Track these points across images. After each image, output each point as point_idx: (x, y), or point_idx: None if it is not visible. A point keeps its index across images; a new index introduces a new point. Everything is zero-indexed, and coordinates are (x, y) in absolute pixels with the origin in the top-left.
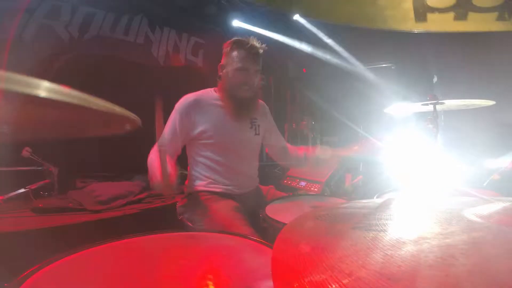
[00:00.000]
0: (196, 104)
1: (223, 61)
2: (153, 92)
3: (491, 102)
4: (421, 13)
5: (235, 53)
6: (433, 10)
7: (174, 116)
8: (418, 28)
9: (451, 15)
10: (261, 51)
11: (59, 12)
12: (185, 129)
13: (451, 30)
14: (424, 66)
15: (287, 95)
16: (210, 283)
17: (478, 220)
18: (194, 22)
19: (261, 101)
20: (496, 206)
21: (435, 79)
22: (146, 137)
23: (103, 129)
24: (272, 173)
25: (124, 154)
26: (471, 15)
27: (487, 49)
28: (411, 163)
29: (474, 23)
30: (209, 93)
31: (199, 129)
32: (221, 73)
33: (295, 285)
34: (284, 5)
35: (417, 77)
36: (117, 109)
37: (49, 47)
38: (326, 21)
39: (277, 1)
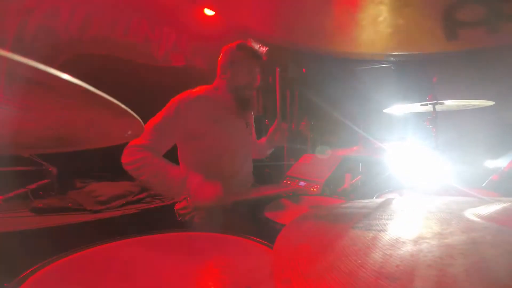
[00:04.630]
0: (199, 102)
1: (226, 62)
2: (153, 92)
3: (490, 102)
4: (451, 29)
5: (242, 57)
6: (463, 25)
7: (173, 110)
8: (450, 48)
9: (483, 28)
10: (263, 54)
11: (59, 12)
12: (184, 126)
13: (486, 46)
14: (424, 66)
15: (287, 95)
16: (210, 283)
17: (478, 220)
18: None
19: None
20: (496, 206)
21: (434, 79)
22: None
23: (105, 136)
24: (264, 173)
25: None
26: (505, 26)
27: (487, 49)
28: (410, 163)
29: (509, 35)
30: (209, 92)
31: (198, 128)
32: (223, 73)
33: (295, 285)
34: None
35: (417, 77)
36: (123, 107)
37: (49, 47)
38: (360, 55)
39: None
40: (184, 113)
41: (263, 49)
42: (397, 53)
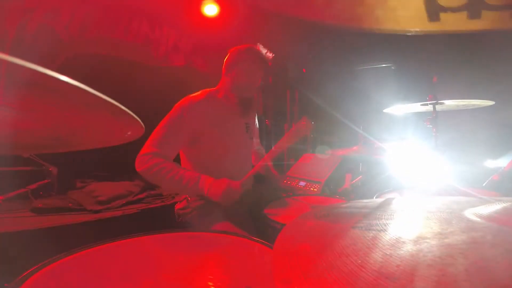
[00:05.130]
0: (200, 107)
1: (232, 61)
2: (153, 92)
3: (490, 102)
4: (433, 12)
5: (249, 59)
6: (445, 9)
7: (176, 116)
8: (431, 28)
9: (464, 14)
10: (269, 60)
11: (59, 12)
12: (189, 131)
13: (466, 29)
14: (424, 66)
15: (287, 95)
16: (210, 283)
17: (478, 220)
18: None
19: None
20: (496, 206)
21: (434, 79)
22: (147, 137)
23: (105, 137)
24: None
25: (124, 154)
26: (485, 14)
27: (487, 49)
28: (410, 163)
29: (488, 22)
30: (210, 96)
31: (201, 132)
32: (228, 72)
33: (295, 285)
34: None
35: (417, 77)
36: (124, 109)
37: (49, 47)
38: (336, 24)
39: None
40: (188, 119)
41: (270, 55)
42: (382, 28)
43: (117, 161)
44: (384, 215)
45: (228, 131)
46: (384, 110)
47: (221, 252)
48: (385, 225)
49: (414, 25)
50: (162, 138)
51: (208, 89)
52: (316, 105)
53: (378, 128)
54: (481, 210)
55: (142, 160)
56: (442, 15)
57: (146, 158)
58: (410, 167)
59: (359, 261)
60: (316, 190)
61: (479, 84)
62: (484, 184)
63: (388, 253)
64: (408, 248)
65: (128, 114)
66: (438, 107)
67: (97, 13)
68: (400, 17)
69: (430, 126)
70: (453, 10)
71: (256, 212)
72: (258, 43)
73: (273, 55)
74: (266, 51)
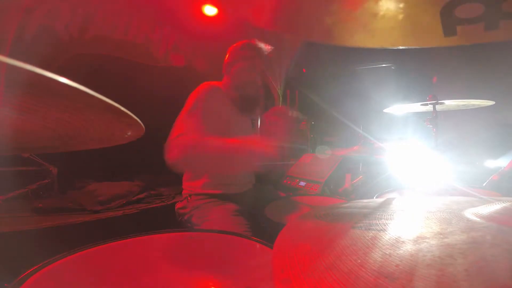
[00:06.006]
0: (217, 93)
1: (230, 60)
2: (153, 92)
3: (491, 102)
4: (449, 26)
5: (246, 55)
6: (462, 21)
7: (194, 100)
8: (448, 43)
9: (481, 25)
10: (268, 53)
11: (59, 12)
12: (211, 112)
13: (483, 41)
14: (424, 66)
15: (287, 95)
16: (210, 283)
17: (478, 220)
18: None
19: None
20: (496, 206)
21: (434, 79)
22: (147, 137)
23: (105, 137)
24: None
25: (124, 154)
26: (503, 23)
27: (487, 49)
28: (410, 163)
29: (507, 31)
30: (218, 88)
31: (214, 121)
32: (227, 71)
33: (294, 285)
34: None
35: (417, 77)
36: (123, 110)
37: (49, 47)
38: (349, 46)
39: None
40: (210, 101)
41: (268, 48)
42: (396, 47)
43: (117, 161)
44: (384, 215)
45: (233, 126)
46: (384, 110)
47: (221, 252)
48: (385, 225)
49: (429, 42)
50: (185, 123)
51: (216, 81)
52: (316, 105)
53: (378, 128)
54: (481, 210)
55: (176, 143)
56: (459, 28)
57: (181, 138)
58: (410, 167)
59: (359, 261)
60: (316, 190)
61: (479, 84)
62: (484, 184)
63: (387, 252)
64: (407, 248)
65: (127, 114)
66: (438, 107)
67: (97, 13)
68: (412, 34)
69: (430, 126)
70: (470, 22)
71: (256, 212)
72: (255, 38)
73: (272, 47)
74: (263, 44)
